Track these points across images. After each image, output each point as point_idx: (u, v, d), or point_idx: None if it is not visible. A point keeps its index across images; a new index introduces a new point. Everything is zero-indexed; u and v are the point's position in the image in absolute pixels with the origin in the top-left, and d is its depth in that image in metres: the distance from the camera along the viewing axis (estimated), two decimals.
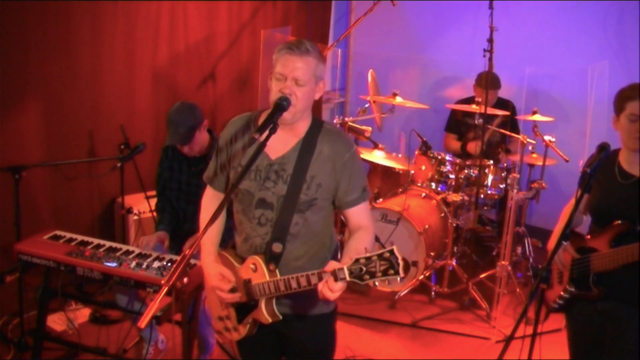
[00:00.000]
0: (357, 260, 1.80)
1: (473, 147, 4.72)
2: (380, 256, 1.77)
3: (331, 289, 1.83)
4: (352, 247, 2.01)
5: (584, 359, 2.52)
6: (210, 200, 2.26)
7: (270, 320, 2.08)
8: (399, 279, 1.77)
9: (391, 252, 1.76)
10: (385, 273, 1.76)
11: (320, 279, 1.88)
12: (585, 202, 2.47)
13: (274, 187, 2.06)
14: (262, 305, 2.07)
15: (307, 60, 1.97)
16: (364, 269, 1.79)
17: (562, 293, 2.46)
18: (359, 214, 2.12)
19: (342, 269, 1.82)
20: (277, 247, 2.06)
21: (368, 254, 1.79)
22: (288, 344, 2.27)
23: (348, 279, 1.82)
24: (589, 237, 2.42)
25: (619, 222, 2.27)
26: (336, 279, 1.83)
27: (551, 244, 2.50)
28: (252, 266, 2.07)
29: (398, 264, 1.75)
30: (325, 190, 2.06)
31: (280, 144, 2.06)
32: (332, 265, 1.86)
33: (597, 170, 2.17)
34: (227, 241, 3.13)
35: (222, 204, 1.93)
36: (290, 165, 2.05)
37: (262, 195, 2.07)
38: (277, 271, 2.05)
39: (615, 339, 2.35)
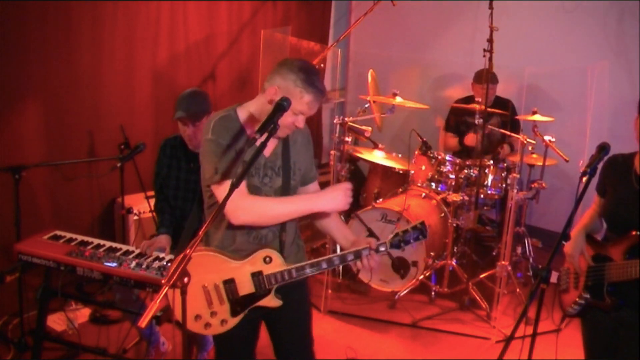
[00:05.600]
0: (396, 235, 2.24)
1: (472, 138, 4.71)
2: (414, 227, 2.25)
3: (375, 260, 2.21)
4: (339, 223, 2.42)
5: None
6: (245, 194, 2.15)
7: (280, 303, 2.24)
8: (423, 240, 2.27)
9: (422, 223, 2.26)
10: (417, 239, 2.25)
11: (357, 256, 2.20)
12: (602, 206, 2.46)
13: (270, 182, 2.22)
14: (273, 292, 2.22)
15: None
16: (401, 239, 2.23)
17: (577, 299, 2.44)
18: (317, 187, 2.40)
19: (384, 243, 2.23)
20: (284, 236, 2.27)
21: (404, 228, 2.25)
22: (269, 317, 2.37)
23: (389, 249, 2.23)
24: (604, 243, 2.39)
25: (636, 232, 2.23)
26: (377, 252, 2.21)
27: (567, 247, 2.48)
28: (267, 258, 2.20)
29: (426, 230, 2.25)
30: (303, 173, 2.32)
31: (270, 142, 2.09)
32: (370, 241, 2.21)
33: (609, 173, 2.14)
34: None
35: (223, 204, 1.93)
36: (278, 159, 2.24)
37: (263, 192, 2.22)
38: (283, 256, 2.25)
39: (628, 346, 2.33)
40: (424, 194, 4.48)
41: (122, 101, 4.27)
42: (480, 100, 4.30)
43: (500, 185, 4.38)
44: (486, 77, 4.04)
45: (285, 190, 2.24)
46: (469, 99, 4.87)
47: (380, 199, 4.51)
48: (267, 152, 2.21)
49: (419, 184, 4.50)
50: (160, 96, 4.49)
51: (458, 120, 5.02)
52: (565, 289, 2.55)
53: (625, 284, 2.26)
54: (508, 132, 4.50)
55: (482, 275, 4.37)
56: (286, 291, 2.26)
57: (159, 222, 3.20)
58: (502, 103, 4.80)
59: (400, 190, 4.54)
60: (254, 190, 2.19)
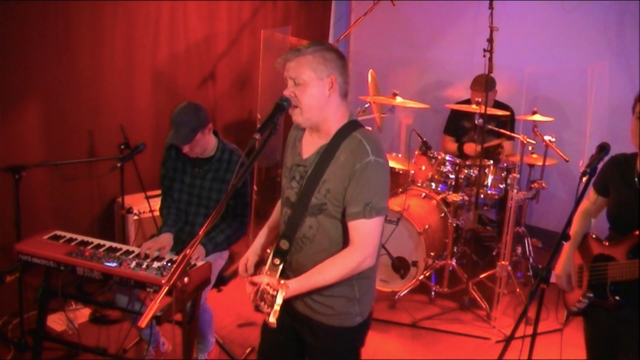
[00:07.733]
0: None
1: (472, 148, 4.72)
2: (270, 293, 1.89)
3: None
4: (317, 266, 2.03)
5: None
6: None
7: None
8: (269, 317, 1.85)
9: (278, 292, 1.86)
10: (269, 305, 1.87)
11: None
12: (598, 204, 2.47)
13: (297, 187, 2.08)
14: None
15: (299, 60, 1.99)
16: (264, 295, 1.91)
17: (581, 298, 2.44)
18: (354, 230, 1.98)
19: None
20: (283, 244, 2.08)
21: (271, 288, 1.89)
22: (309, 351, 2.25)
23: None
24: (607, 243, 2.39)
25: (639, 233, 2.23)
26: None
27: (557, 268, 2.49)
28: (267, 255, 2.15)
29: (272, 305, 1.85)
30: (333, 197, 2.00)
31: (311, 145, 2.09)
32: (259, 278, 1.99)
33: (609, 173, 2.13)
34: (221, 245, 3.12)
35: (222, 204, 1.91)
36: (311, 168, 2.05)
37: (287, 193, 2.12)
38: (280, 267, 2.07)
39: (629, 344, 2.33)
40: (424, 194, 4.48)
41: (122, 101, 4.27)
42: (479, 101, 4.29)
43: (500, 185, 4.38)
44: (486, 81, 4.04)
45: (303, 203, 2.03)
46: (466, 103, 4.86)
47: None
48: (305, 154, 2.09)
49: (419, 184, 4.50)
50: (160, 96, 4.49)
51: (457, 124, 5.02)
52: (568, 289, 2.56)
53: (628, 283, 2.26)
54: (508, 132, 4.49)
55: (482, 275, 4.37)
56: (328, 336, 2.16)
57: (162, 222, 3.18)
58: (502, 107, 4.79)
59: (400, 190, 4.54)
60: (281, 193, 2.18)
